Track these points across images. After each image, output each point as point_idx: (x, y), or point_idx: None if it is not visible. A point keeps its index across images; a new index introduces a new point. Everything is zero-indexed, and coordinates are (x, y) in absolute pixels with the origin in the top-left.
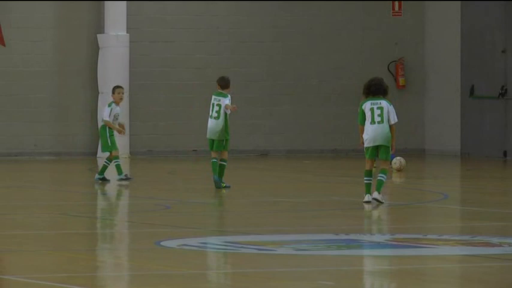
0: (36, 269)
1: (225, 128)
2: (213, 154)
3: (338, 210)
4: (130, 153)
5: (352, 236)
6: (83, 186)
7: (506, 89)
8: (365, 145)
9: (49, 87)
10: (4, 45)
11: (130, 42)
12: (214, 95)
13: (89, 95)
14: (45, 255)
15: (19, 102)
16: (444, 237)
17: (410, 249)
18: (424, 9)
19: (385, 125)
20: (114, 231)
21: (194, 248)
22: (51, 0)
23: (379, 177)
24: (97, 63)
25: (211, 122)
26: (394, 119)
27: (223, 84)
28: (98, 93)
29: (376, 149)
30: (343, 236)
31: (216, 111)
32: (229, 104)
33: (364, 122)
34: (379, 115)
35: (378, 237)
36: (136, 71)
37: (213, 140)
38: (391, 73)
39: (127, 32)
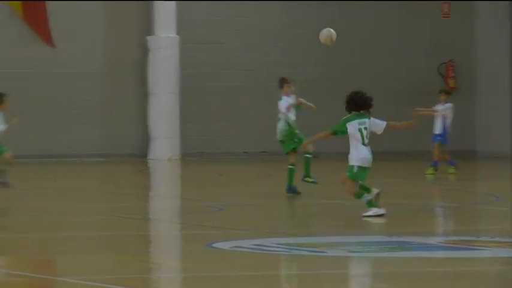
0: (88, 271)
1: (285, 129)
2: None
3: (391, 212)
4: (181, 155)
5: (404, 238)
6: (133, 188)
7: None
8: (358, 164)
9: (98, 89)
10: (54, 46)
11: (180, 43)
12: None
13: (139, 96)
14: (96, 257)
15: (68, 104)
16: (496, 239)
17: (462, 252)
18: (474, 10)
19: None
20: (166, 233)
21: (247, 250)
22: (100, 0)
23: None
24: (147, 64)
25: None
26: (382, 123)
27: (279, 85)
28: (148, 95)
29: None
30: (396, 238)
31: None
32: (287, 104)
33: (334, 132)
34: (367, 137)
35: (430, 239)
36: (186, 73)
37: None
38: (441, 75)
39: (177, 34)
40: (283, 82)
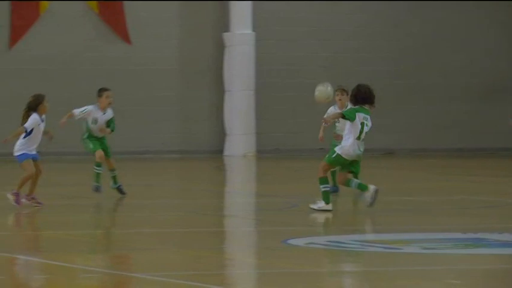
0: (164, 267)
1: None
2: None
3: (466, 209)
4: (256, 151)
5: (480, 235)
6: (208, 184)
7: None
8: (341, 153)
9: (174, 85)
10: (130, 43)
11: (256, 40)
12: None
13: (214, 93)
14: (173, 253)
15: (144, 100)
16: None
17: None
18: None
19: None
20: (241, 230)
21: (321, 246)
22: None
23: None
24: (222, 61)
25: None
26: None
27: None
28: (224, 91)
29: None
30: (471, 235)
31: None
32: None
33: (344, 116)
34: (366, 132)
35: (506, 236)
36: (262, 70)
37: None
38: None
39: (253, 31)
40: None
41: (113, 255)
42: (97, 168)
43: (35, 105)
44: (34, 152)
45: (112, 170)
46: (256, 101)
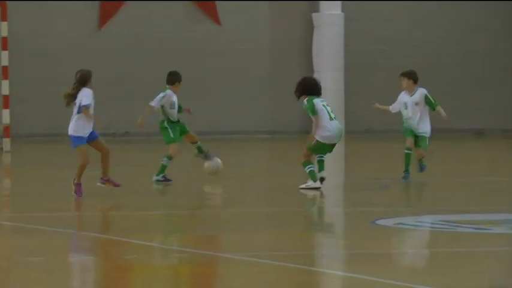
0: (252, 247)
1: None
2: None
3: None
4: (346, 132)
5: None
6: (298, 164)
7: None
8: (323, 141)
9: (264, 66)
10: (220, 24)
11: (345, 20)
12: None
13: (304, 73)
14: (261, 234)
15: (234, 80)
16: None
17: None
18: None
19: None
20: (330, 210)
21: (410, 227)
22: None
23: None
24: (311, 42)
25: None
26: None
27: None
28: (313, 72)
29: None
30: None
31: None
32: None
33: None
34: (332, 111)
35: None
36: (350, 50)
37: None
38: None
39: (342, 11)
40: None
41: (202, 235)
42: (167, 160)
43: (85, 80)
44: (90, 131)
45: (195, 142)
46: (345, 82)
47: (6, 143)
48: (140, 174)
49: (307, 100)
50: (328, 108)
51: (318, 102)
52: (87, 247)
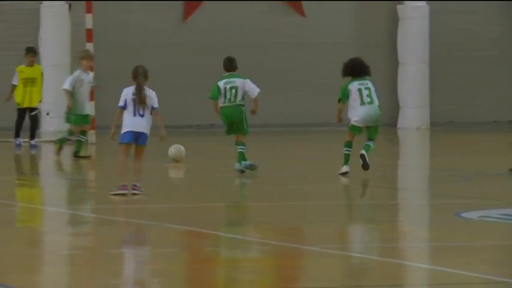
0: (333, 240)
1: None
2: None
3: None
4: (430, 124)
5: None
6: (381, 157)
7: None
8: (355, 124)
9: (349, 58)
10: (304, 16)
11: (430, 13)
12: None
13: (389, 66)
14: (342, 226)
15: (316, 73)
16: None
17: None
18: None
19: (375, 106)
20: (413, 203)
21: (494, 219)
22: None
23: (368, 143)
24: (397, 34)
25: None
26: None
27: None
28: (398, 64)
29: (363, 128)
30: None
31: None
32: None
33: (346, 101)
34: (368, 95)
35: None
36: (435, 42)
37: None
38: None
39: (426, 3)
40: None
41: (283, 227)
42: (242, 148)
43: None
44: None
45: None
46: (430, 74)
47: (91, 135)
48: (225, 165)
49: (345, 83)
50: (365, 92)
51: (354, 85)
52: (171, 239)
